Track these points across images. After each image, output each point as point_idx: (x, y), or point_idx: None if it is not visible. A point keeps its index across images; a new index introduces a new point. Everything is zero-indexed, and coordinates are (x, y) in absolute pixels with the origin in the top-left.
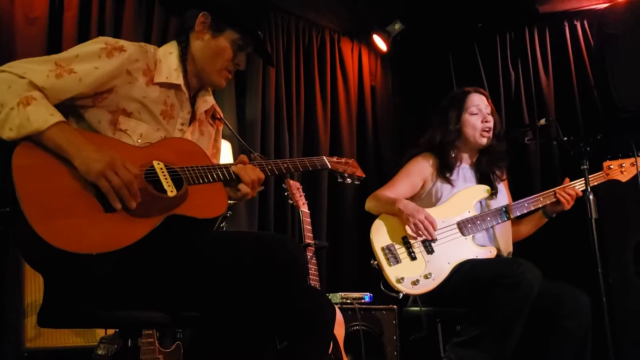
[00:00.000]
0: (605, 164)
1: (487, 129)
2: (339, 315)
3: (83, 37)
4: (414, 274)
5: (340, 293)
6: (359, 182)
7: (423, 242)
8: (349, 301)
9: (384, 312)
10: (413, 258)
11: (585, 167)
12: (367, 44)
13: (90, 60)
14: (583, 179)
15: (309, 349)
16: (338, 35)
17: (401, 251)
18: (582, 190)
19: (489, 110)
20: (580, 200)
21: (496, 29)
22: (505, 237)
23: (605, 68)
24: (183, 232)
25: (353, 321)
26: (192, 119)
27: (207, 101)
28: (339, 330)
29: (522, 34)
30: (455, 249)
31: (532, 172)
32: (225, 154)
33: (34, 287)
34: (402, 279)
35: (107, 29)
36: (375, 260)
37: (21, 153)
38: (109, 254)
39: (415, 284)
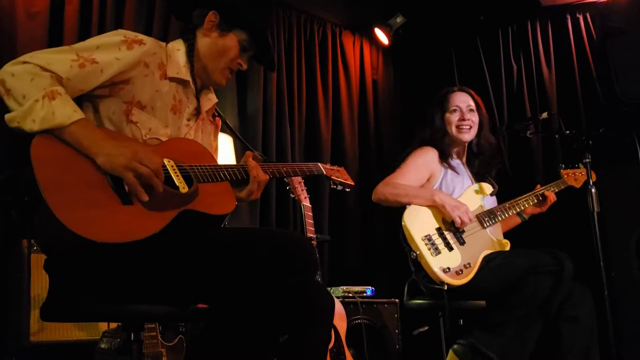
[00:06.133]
0: (563, 172)
1: (464, 126)
2: (341, 309)
3: (84, 31)
4: (457, 264)
5: (342, 287)
6: (349, 190)
7: (454, 233)
8: (351, 295)
9: (385, 305)
10: (450, 249)
11: (587, 160)
12: (369, 37)
13: (111, 51)
14: (552, 184)
15: (313, 341)
16: (340, 29)
17: (439, 242)
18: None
19: (471, 108)
20: (583, 194)
21: (498, 22)
22: (499, 232)
23: (607, 61)
24: (195, 227)
25: (355, 315)
26: (197, 115)
27: (211, 99)
28: (341, 323)
29: (524, 27)
30: (480, 241)
31: (534, 165)
32: (227, 148)
33: (38, 281)
34: (448, 268)
35: (108, 24)
36: (413, 251)
37: (40, 144)
38: (127, 244)
39: (459, 274)
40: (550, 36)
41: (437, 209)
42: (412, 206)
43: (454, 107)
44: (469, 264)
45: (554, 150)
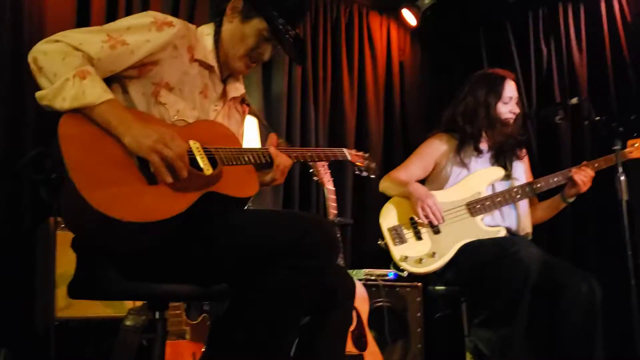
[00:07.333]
0: (630, 142)
1: (512, 118)
2: (363, 292)
3: (112, 12)
4: (419, 253)
5: (364, 270)
6: (373, 176)
7: (430, 222)
8: (373, 278)
9: (408, 289)
10: (419, 238)
11: (617, 147)
12: (396, 18)
13: (141, 33)
14: (601, 159)
15: (334, 323)
16: (367, 9)
17: (407, 231)
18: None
19: (517, 99)
20: (611, 182)
21: (529, 4)
22: (522, 218)
23: None
24: (218, 209)
25: (377, 298)
26: (223, 101)
27: (238, 89)
28: (363, 306)
29: (555, 9)
30: (462, 229)
31: (563, 152)
32: (251, 130)
33: (65, 258)
34: (406, 257)
35: (135, 4)
36: (383, 240)
37: (67, 123)
38: (152, 224)
39: (419, 263)
40: (582, 19)
41: None
42: (392, 199)
43: (508, 99)
44: (434, 253)
45: (583, 137)
